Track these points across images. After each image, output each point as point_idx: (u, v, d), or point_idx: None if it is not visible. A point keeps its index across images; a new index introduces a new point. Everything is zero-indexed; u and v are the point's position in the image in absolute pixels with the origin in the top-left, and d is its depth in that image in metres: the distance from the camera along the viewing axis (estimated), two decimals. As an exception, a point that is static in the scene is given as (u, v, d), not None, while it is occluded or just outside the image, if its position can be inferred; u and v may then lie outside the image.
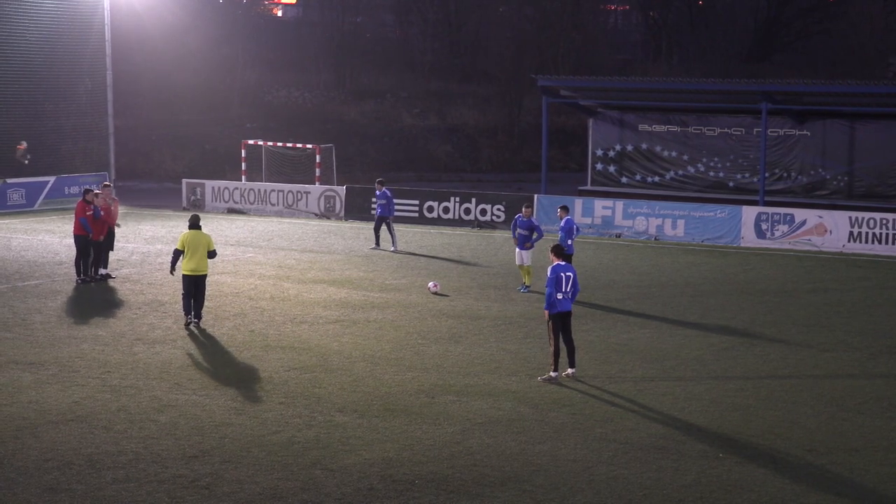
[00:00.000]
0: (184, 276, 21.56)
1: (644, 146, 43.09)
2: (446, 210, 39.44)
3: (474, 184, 53.46)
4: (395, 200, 37.99)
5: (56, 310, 23.38)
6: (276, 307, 23.78)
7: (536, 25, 70.81)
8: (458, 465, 14.06)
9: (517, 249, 26.38)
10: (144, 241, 33.64)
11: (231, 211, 42.27)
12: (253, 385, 17.67)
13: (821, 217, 34.52)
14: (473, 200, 39.38)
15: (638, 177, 43.22)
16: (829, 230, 34.13)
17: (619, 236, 36.67)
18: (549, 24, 69.79)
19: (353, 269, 29.07)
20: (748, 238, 35.10)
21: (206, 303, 22.22)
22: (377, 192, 33.50)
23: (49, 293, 25.12)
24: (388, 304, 24.29)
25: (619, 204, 37.27)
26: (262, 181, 45.72)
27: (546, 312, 18.05)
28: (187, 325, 21.48)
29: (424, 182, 54.33)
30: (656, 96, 42.77)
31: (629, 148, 43.37)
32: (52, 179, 42.89)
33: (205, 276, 21.77)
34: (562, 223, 26.22)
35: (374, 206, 33.60)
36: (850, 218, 34.09)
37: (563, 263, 18.19)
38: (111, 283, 26.52)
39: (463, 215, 39.19)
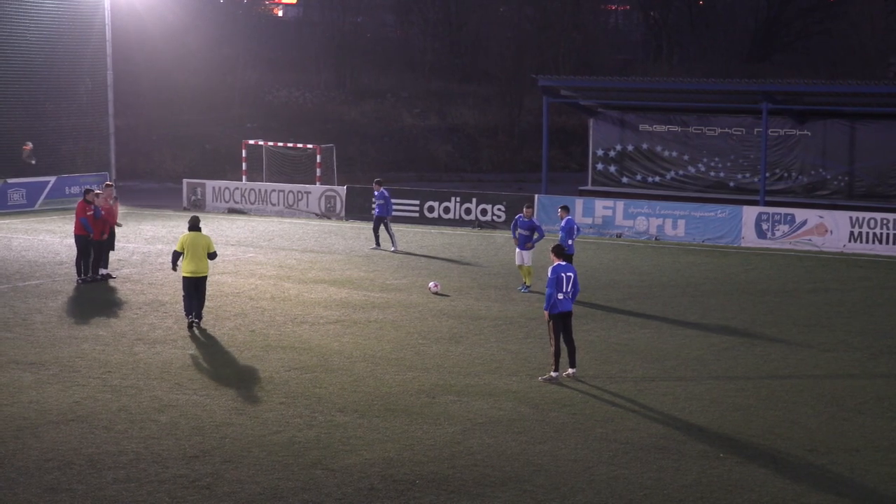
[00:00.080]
0: (184, 277, 21.53)
1: (645, 146, 43.09)
2: (447, 210, 39.44)
3: (475, 184, 53.47)
4: (396, 200, 37.99)
5: (57, 310, 23.39)
6: (277, 307, 23.78)
7: (537, 25, 70.82)
8: (459, 465, 14.06)
9: (517, 250, 26.38)
10: (145, 241, 33.64)
11: (232, 211, 42.27)
12: (253, 385, 17.68)
13: (821, 217, 34.52)
14: (474, 200, 39.38)
15: (638, 177, 43.23)
16: (830, 230, 34.13)
17: (619, 236, 36.67)
18: (549, 23, 69.79)
19: (353, 269, 29.07)
20: (749, 238, 35.10)
21: (206, 303, 22.22)
22: (375, 193, 33.50)
23: (50, 293, 25.12)
24: (389, 304, 24.29)
25: (620, 204, 37.27)
26: (262, 181, 45.73)
27: (546, 313, 18.05)
28: (190, 325, 21.46)
29: (425, 182, 54.34)
30: (657, 96, 42.78)
31: (630, 148, 43.37)
32: (52, 179, 42.90)
33: (205, 278, 21.74)
34: (562, 223, 26.22)
35: (373, 206, 33.61)
36: (850, 218, 34.09)
37: (564, 263, 18.19)
38: (112, 283, 26.52)
39: (463, 215, 39.19)
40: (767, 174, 39.68)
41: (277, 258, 30.88)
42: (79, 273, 26.47)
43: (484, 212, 38.95)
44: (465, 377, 18.28)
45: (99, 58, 44.89)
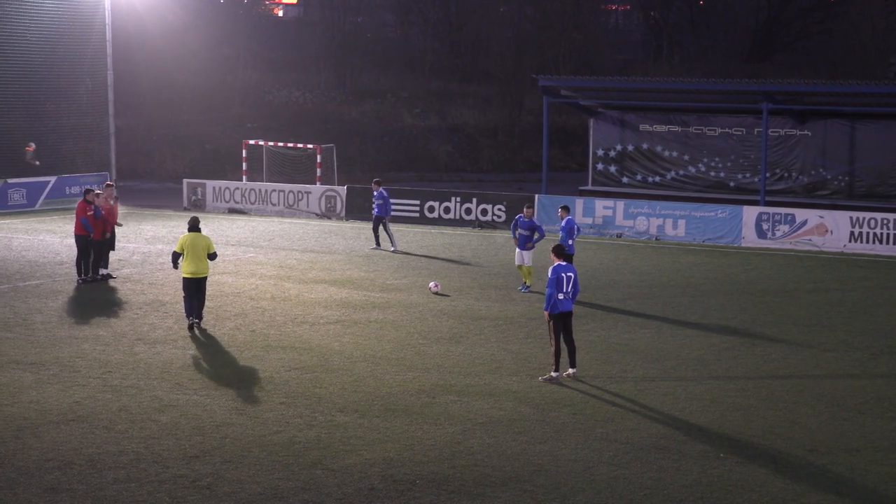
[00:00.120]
0: (184, 278, 21.49)
1: (645, 146, 43.10)
2: (447, 210, 39.44)
3: (475, 184, 53.48)
4: (397, 201, 38.05)
5: (57, 310, 23.39)
6: (277, 307, 23.79)
7: (537, 25, 70.82)
8: (459, 465, 14.06)
9: (517, 250, 26.37)
10: (145, 241, 33.65)
11: (232, 211, 42.28)
12: (254, 385, 17.68)
13: (822, 217, 34.52)
14: (474, 200, 39.38)
15: (639, 177, 43.23)
16: (830, 230, 34.13)
17: (619, 236, 36.67)
18: (549, 23, 69.79)
19: (353, 270, 29.07)
20: (749, 238, 35.10)
21: (207, 303, 22.22)
22: (374, 193, 33.49)
23: (50, 293, 25.13)
24: (389, 304, 24.29)
25: (620, 204, 37.27)
26: (262, 181, 45.73)
27: (546, 313, 18.05)
28: (191, 327, 21.42)
29: (425, 182, 54.35)
30: (657, 96, 42.78)
31: (630, 148, 43.38)
32: (52, 179, 42.91)
33: (205, 279, 21.71)
34: (562, 223, 26.22)
35: (374, 206, 33.63)
36: (850, 218, 34.09)
37: (564, 264, 18.20)
38: (112, 283, 26.53)
39: (464, 215, 39.19)
40: (768, 174, 39.68)
41: (278, 258, 30.88)
42: (79, 273, 26.48)
43: (484, 212, 38.95)
44: (465, 377, 18.28)
45: (99, 58, 44.89)
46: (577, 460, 14.35)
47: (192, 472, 13.65)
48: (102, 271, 26.79)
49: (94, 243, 26.48)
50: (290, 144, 48.34)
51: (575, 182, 48.27)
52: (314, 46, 71.91)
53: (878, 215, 34.02)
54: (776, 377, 18.79)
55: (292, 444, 14.77)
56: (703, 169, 42.15)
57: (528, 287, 26.12)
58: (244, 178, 46.30)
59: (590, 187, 43.70)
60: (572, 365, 18.30)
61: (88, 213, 26.24)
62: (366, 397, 17.01)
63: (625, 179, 43.44)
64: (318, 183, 44.48)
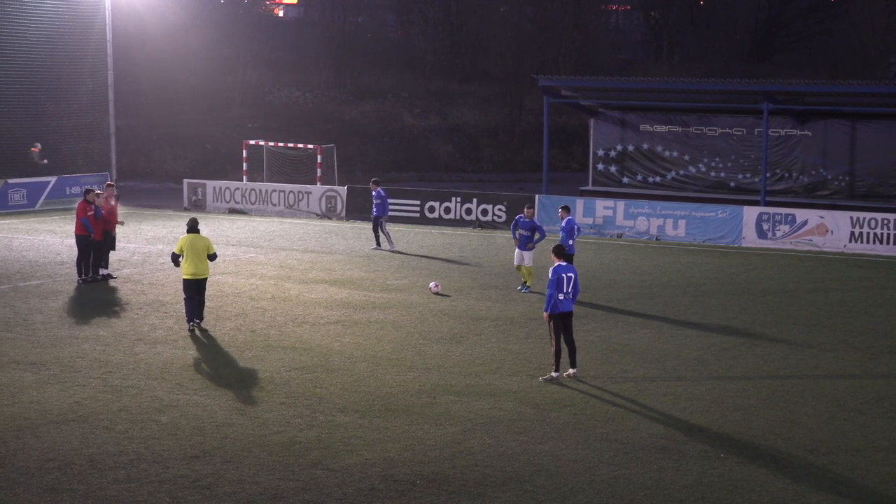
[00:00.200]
0: (184, 280, 21.44)
1: (645, 146, 43.10)
2: (447, 210, 39.44)
3: (475, 184, 53.48)
4: (398, 201, 38.09)
5: (57, 310, 23.39)
6: (278, 307, 23.79)
7: (537, 25, 70.78)
8: (460, 466, 14.07)
9: (517, 250, 26.36)
10: (146, 242, 33.65)
11: (232, 211, 42.28)
12: (254, 385, 17.68)
13: (822, 217, 34.52)
14: (475, 200, 39.38)
15: (639, 177, 43.24)
16: (831, 230, 34.13)
17: (620, 236, 36.67)
18: (550, 23, 69.76)
19: (354, 270, 29.08)
20: (749, 238, 35.10)
21: (207, 303, 22.24)
22: (373, 193, 33.50)
23: (50, 293, 25.13)
24: (390, 305, 24.30)
25: (621, 204, 37.27)
26: (263, 181, 45.73)
27: (546, 314, 18.05)
28: (191, 331, 21.36)
29: (425, 182, 54.35)
30: (657, 96, 42.78)
31: (630, 148, 43.39)
32: (53, 179, 42.92)
33: (205, 280, 21.68)
34: (563, 223, 26.23)
35: (373, 206, 33.64)
36: (851, 218, 34.09)
37: (565, 264, 18.21)
38: (112, 283, 26.53)
39: (464, 215, 39.19)
40: (768, 174, 39.68)
41: (278, 258, 30.89)
42: (79, 273, 26.48)
43: (485, 212, 38.96)
44: (465, 377, 18.28)
45: (99, 58, 44.90)
46: (578, 460, 14.35)
47: (192, 473, 13.66)
48: (102, 271, 26.80)
49: (95, 243, 26.48)
50: (291, 144, 48.33)
51: (575, 182, 48.28)
52: (314, 46, 71.89)
53: (879, 215, 34.02)
54: (776, 377, 18.79)
55: (293, 444, 14.77)
56: (703, 169, 42.16)
57: (528, 287, 26.12)
58: (244, 178, 46.30)
59: (590, 187, 43.71)
60: (573, 365, 18.31)
61: (89, 213, 26.24)
62: (366, 397, 17.01)
63: (625, 179, 43.45)
64: (318, 183, 44.48)
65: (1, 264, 29.09)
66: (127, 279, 27.00)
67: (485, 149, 63.44)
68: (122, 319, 22.50)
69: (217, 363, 19.22)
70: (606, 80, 46.15)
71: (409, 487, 13.32)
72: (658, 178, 42.86)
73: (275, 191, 42.22)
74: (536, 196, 38.41)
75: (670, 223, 36.23)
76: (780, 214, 35.03)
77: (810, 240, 34.31)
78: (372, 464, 14.07)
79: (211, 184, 43.40)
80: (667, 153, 42.75)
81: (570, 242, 25.80)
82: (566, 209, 26.71)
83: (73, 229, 26.98)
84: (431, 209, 39.55)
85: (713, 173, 41.97)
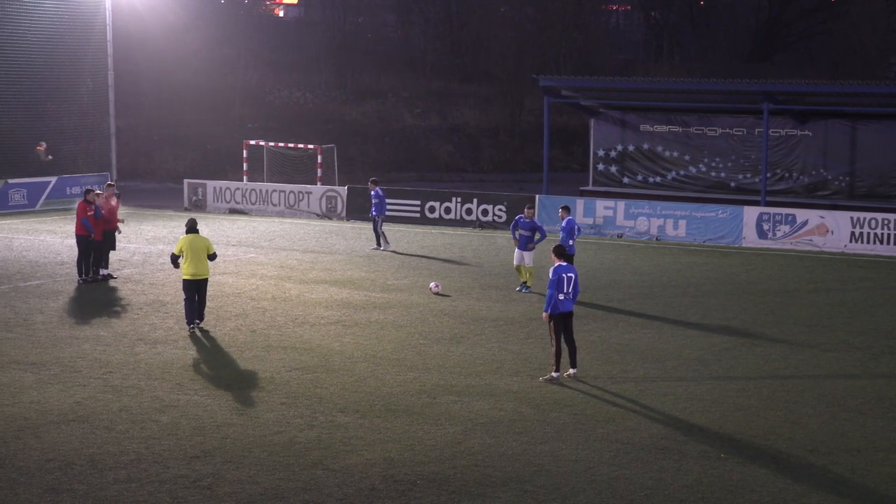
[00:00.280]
0: (185, 280, 21.40)
1: (645, 146, 43.10)
2: (448, 210, 39.44)
3: (476, 184, 53.47)
4: (398, 201, 38.12)
5: (58, 310, 23.40)
6: (278, 307, 23.79)
7: (538, 25, 70.79)
8: (460, 466, 14.07)
9: (517, 250, 26.36)
10: (146, 242, 33.65)
11: (233, 211, 42.28)
12: (254, 385, 17.68)
13: (822, 217, 34.51)
14: (475, 201, 39.38)
15: (639, 177, 43.23)
16: (831, 230, 34.13)
17: (620, 237, 36.67)
18: (550, 23, 69.77)
19: (354, 270, 29.08)
20: (750, 238, 35.10)
21: (207, 303, 22.23)
22: (371, 192, 33.50)
23: (51, 293, 25.13)
24: (390, 305, 24.30)
25: (621, 204, 37.27)
26: (263, 181, 45.73)
27: (545, 314, 18.05)
28: (192, 332, 21.32)
29: (426, 182, 54.35)
30: (658, 96, 42.78)
31: (631, 148, 43.39)
32: (53, 180, 42.92)
33: (206, 280, 21.65)
34: (563, 223, 26.23)
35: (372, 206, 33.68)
36: (851, 218, 34.08)
37: (565, 264, 18.21)
38: (113, 283, 26.54)
39: (464, 216, 39.19)
40: (768, 174, 39.67)
41: (278, 258, 30.89)
42: (80, 273, 26.49)
43: (485, 212, 38.96)
44: (466, 377, 18.29)
45: (100, 58, 44.90)
46: (578, 460, 14.35)
47: (192, 473, 13.66)
48: (103, 271, 26.80)
49: (95, 243, 26.49)
50: (291, 145, 48.33)
51: (576, 182, 48.26)
52: (315, 46, 71.90)
53: (879, 215, 34.02)
54: (777, 377, 18.79)
55: (293, 444, 14.77)
56: (703, 169, 42.15)
57: (528, 288, 26.10)
58: (245, 178, 46.30)
59: (590, 187, 43.71)
60: (573, 365, 18.31)
61: (89, 213, 26.25)
62: (366, 397, 17.01)
63: (625, 180, 43.45)
64: (318, 183, 44.48)
65: (1, 264, 29.10)
66: (127, 279, 27.00)
67: (485, 149, 63.44)
68: (122, 319, 22.50)
69: (217, 363, 19.23)
70: (607, 80, 46.15)
71: (410, 487, 13.32)
72: (658, 179, 42.86)
73: (275, 191, 42.23)
74: (537, 196, 38.42)
75: (671, 223, 36.23)
76: (781, 214, 35.03)
77: (811, 240, 34.31)
78: (372, 464, 14.07)
79: (211, 184, 43.41)
80: (667, 153, 42.74)
81: (571, 243, 25.80)
82: (566, 209, 26.71)
83: (74, 229, 26.99)
84: (432, 209, 39.55)
85: (713, 173, 41.97)
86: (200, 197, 43.05)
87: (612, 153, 43.71)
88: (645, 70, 71.64)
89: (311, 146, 47.20)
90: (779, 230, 34.84)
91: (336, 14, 73.13)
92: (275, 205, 41.94)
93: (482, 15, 74.42)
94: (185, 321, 21.52)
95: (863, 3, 68.26)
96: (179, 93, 62.08)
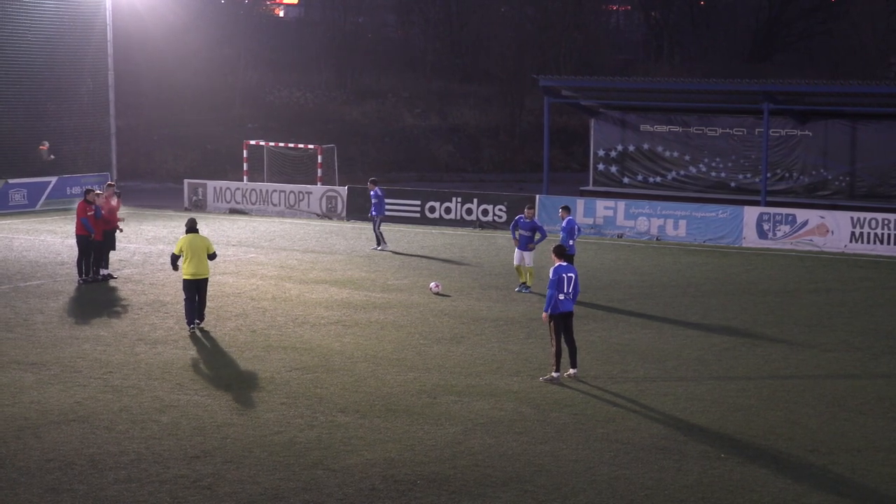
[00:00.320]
0: (185, 280, 21.39)
1: (646, 146, 43.10)
2: (448, 210, 39.43)
3: (476, 184, 53.47)
4: (398, 201, 38.14)
5: (58, 310, 23.40)
6: (278, 307, 23.79)
7: (538, 25, 70.78)
8: (460, 466, 14.07)
9: (517, 250, 26.35)
10: (146, 242, 33.65)
11: (233, 211, 42.29)
12: (255, 385, 17.68)
13: (822, 217, 34.51)
14: (475, 201, 39.38)
15: (639, 177, 43.23)
16: (831, 230, 34.12)
17: (620, 237, 36.67)
18: (550, 24, 69.77)
19: (354, 270, 29.08)
20: (750, 238, 35.10)
21: (208, 303, 22.22)
22: (371, 192, 33.52)
23: (51, 293, 25.13)
24: (390, 305, 24.30)
25: (621, 204, 37.27)
26: (263, 181, 45.73)
27: (545, 315, 18.05)
28: (192, 332, 21.30)
29: (426, 182, 54.35)
30: (658, 96, 42.78)
31: (631, 148, 43.39)
32: (53, 180, 42.92)
33: (206, 280, 21.64)
34: (563, 223, 26.23)
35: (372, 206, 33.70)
36: (851, 218, 34.08)
37: (565, 264, 18.22)
38: (113, 283, 26.54)
39: (465, 216, 39.19)
40: (769, 174, 39.67)
41: (279, 258, 30.89)
42: (80, 273, 26.49)
43: (485, 212, 38.96)
44: (466, 377, 18.29)
45: (100, 58, 44.89)
46: (578, 460, 14.36)
47: (193, 473, 13.66)
48: (103, 272, 26.81)
49: (95, 243, 26.49)
50: (291, 145, 48.33)
51: (576, 182, 48.26)
52: (315, 46, 71.89)
53: (879, 215, 34.02)
54: (777, 377, 18.79)
55: (293, 444, 14.77)
56: (703, 169, 42.15)
57: (528, 288, 26.10)
58: (245, 178, 46.30)
59: (591, 187, 43.71)
60: (573, 365, 18.31)
61: (89, 213, 26.25)
62: (367, 398, 17.01)
63: (626, 180, 43.45)
64: (318, 183, 44.48)
65: (1, 264, 29.10)
66: (127, 279, 27.00)
67: (485, 149, 63.44)
68: (122, 319, 22.50)
69: (217, 363, 19.23)
70: (607, 81, 46.14)
71: (410, 488, 13.33)
72: (658, 179, 42.86)
73: (275, 191, 42.23)
74: (537, 196, 38.42)
75: (671, 223, 36.23)
76: (781, 214, 35.03)
77: (811, 240, 34.31)
78: (372, 464, 14.07)
79: (211, 184, 43.41)
80: (667, 153, 42.74)
81: (571, 243, 25.80)
82: (566, 209, 26.71)
83: (74, 229, 27.00)
84: (432, 209, 39.55)
85: (714, 173, 41.97)
86: (200, 197, 43.06)
87: (613, 153, 43.71)
88: (645, 70, 71.63)
89: (311, 146, 47.21)
90: (779, 230, 34.84)
91: (336, 14, 73.12)
92: (275, 205, 41.94)
93: (482, 15, 74.42)
94: (186, 321, 21.51)
95: (863, 3, 68.26)
96: (179, 93, 62.07)
